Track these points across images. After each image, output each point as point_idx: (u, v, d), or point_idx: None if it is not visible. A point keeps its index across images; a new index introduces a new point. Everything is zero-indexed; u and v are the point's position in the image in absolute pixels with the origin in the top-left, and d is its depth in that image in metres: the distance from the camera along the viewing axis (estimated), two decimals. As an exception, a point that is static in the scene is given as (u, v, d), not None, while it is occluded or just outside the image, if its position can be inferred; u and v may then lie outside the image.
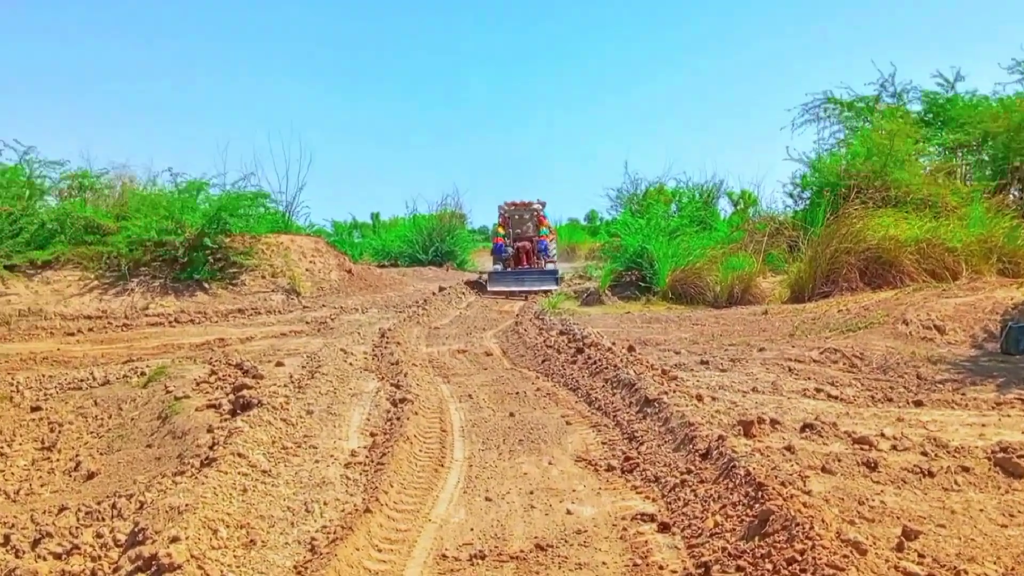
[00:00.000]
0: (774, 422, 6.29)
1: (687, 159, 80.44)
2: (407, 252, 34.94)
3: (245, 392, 7.30)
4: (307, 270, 21.74)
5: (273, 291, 19.53)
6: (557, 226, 45.39)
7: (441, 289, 21.61)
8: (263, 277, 20.11)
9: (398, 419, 6.75)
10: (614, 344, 10.63)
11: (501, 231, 24.03)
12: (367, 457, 5.88)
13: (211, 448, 5.75)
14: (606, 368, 8.75)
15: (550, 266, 23.03)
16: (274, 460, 5.65)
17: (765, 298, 17.07)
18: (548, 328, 13.46)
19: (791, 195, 24.96)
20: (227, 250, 19.92)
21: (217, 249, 19.60)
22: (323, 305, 18.88)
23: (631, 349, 10.24)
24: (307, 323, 15.36)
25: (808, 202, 22.62)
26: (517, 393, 8.53)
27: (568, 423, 7.04)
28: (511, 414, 7.46)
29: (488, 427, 7.00)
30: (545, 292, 20.76)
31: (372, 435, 6.52)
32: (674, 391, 7.18)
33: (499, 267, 23.34)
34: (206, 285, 18.71)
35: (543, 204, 24.64)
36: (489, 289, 21.53)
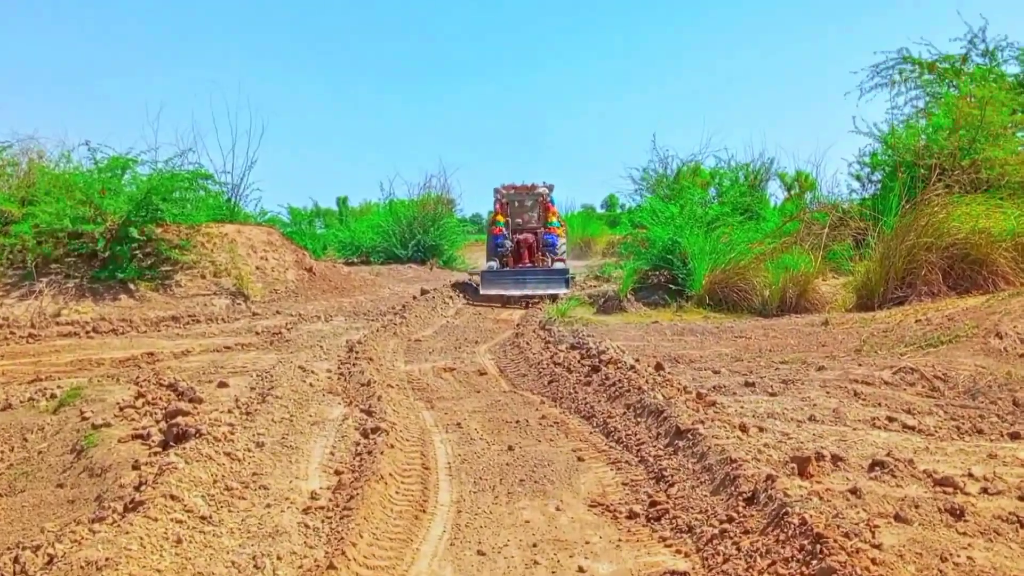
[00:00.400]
0: (836, 459, 6.28)
1: (729, 133, 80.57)
2: (382, 246, 35.01)
3: (180, 419, 7.30)
4: (257, 268, 21.77)
5: (215, 294, 19.55)
6: (568, 215, 45.44)
7: (424, 292, 21.66)
8: (203, 277, 20.12)
9: (369, 453, 6.74)
10: (638, 361, 10.64)
11: (500, 220, 23.69)
12: (331, 500, 5.86)
13: (137, 489, 5.74)
14: (628, 391, 8.75)
15: (558, 264, 22.71)
16: (216, 504, 5.63)
17: (825, 305, 17.08)
18: (556, 341, 13.47)
19: (857, 177, 25.04)
20: (158, 243, 19.93)
21: (146, 242, 19.61)
22: (277, 312, 18.89)
23: (659, 367, 10.25)
24: (257, 334, 15.37)
25: (879, 186, 22.67)
26: (517, 422, 8.52)
27: (580, 459, 7.04)
28: (510, 447, 7.45)
29: (481, 464, 6.99)
30: (552, 297, 20.73)
31: (337, 473, 6.52)
32: (712, 420, 7.18)
33: (495, 264, 22.98)
34: (132, 286, 18.72)
35: (550, 188, 24.30)
36: (482, 292, 21.33)
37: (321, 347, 13.43)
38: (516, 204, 24.29)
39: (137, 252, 19.42)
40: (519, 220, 24.27)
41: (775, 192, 30.60)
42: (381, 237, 35.39)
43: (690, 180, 27.85)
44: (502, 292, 21.22)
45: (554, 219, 23.83)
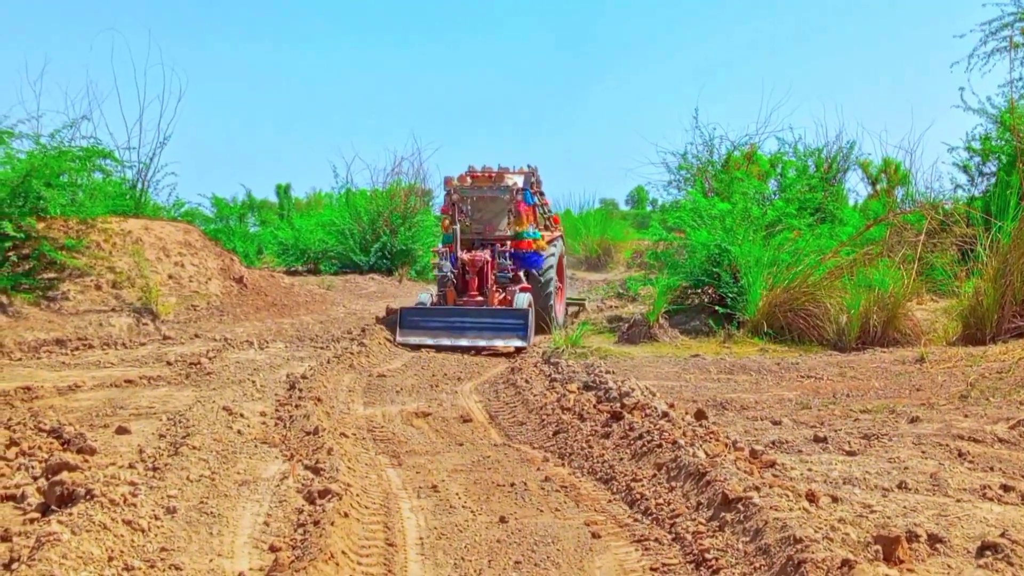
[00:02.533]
0: (934, 539, 6.28)
1: (795, 108, 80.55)
2: (335, 251, 35.05)
3: (65, 476, 7.28)
4: (171, 277, 21.79)
5: (114, 311, 19.55)
6: (584, 212, 45.49)
7: (390, 312, 21.65)
8: (98, 288, 20.12)
9: (316, 524, 6.72)
10: (672, 407, 10.64)
11: (441, 226, 21.42)
12: (264, 586, 5.86)
13: (8, 567, 5.71)
14: (659, 447, 8.73)
15: (521, 298, 19.50)
16: (111, 589, 5.62)
17: (920, 336, 17.11)
18: (565, 379, 13.49)
19: (964, 168, 25.18)
20: (40, 242, 19.88)
21: (24, 240, 19.58)
22: (196, 335, 18.90)
23: (701, 416, 10.25)
24: (169, 364, 15.38)
25: (993, 180, 22.74)
26: (513, 484, 8.50)
27: (596, 535, 7.02)
28: (502, 519, 7.43)
29: (464, 540, 6.97)
30: (513, 351, 18.19)
31: (273, 550, 6.49)
32: (771, 486, 7.17)
33: (427, 297, 20.24)
34: (4, 299, 18.67)
35: (532, 172, 21.63)
36: (398, 340, 18.72)
37: (253, 383, 13.43)
38: (475, 201, 21.20)
39: (11, 254, 19.36)
40: (479, 227, 21.06)
41: (855, 186, 30.70)
42: (335, 239, 35.41)
43: (744, 169, 27.81)
44: (426, 342, 18.61)
45: (529, 226, 20.93)
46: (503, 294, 19.86)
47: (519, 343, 18.25)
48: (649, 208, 55.39)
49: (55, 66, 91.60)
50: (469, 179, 20.97)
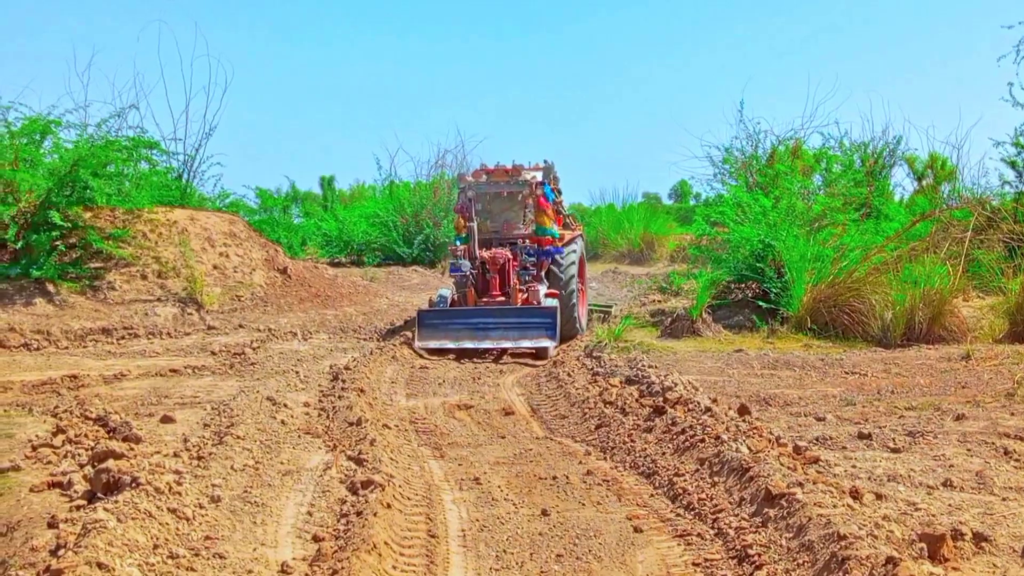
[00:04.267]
0: (980, 537, 6.22)
1: (841, 103, 79.83)
2: (379, 242, 35.13)
3: (111, 464, 7.32)
4: (216, 267, 21.91)
5: (159, 300, 19.70)
6: (626, 207, 45.35)
7: (433, 303, 21.64)
8: (144, 277, 20.28)
9: (359, 514, 6.75)
10: (715, 402, 10.60)
11: (460, 228, 19.63)
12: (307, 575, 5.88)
13: (54, 554, 5.76)
14: (702, 441, 8.71)
15: (549, 300, 18.08)
16: (157, 576, 5.66)
17: (966, 333, 16.96)
18: (607, 373, 13.46)
19: (1012, 164, 24.83)
20: (87, 231, 20.08)
21: (71, 229, 19.78)
22: (240, 325, 19.00)
23: (744, 411, 10.20)
24: (213, 354, 15.48)
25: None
26: (555, 478, 8.51)
27: (638, 530, 7.02)
28: (544, 512, 7.44)
29: (506, 533, 6.99)
30: (535, 352, 17.21)
31: (316, 540, 6.53)
32: (815, 482, 7.13)
33: (446, 295, 18.77)
34: (51, 288, 18.88)
35: (550, 168, 19.91)
36: (417, 345, 17.26)
37: (297, 373, 13.49)
38: (490, 198, 20.01)
39: (59, 243, 19.57)
40: (495, 225, 19.92)
41: (901, 181, 30.40)
42: (378, 231, 35.55)
43: (787, 163, 27.61)
44: (447, 345, 17.32)
45: (549, 223, 19.37)
46: (526, 293, 18.15)
47: (547, 343, 16.98)
48: (692, 202, 55.04)
49: (103, 57, 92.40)
50: (484, 175, 19.75)
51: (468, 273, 18.47)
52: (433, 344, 17.22)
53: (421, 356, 16.09)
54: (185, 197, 26.83)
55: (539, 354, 16.87)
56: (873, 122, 56.18)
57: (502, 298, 18.33)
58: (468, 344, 17.18)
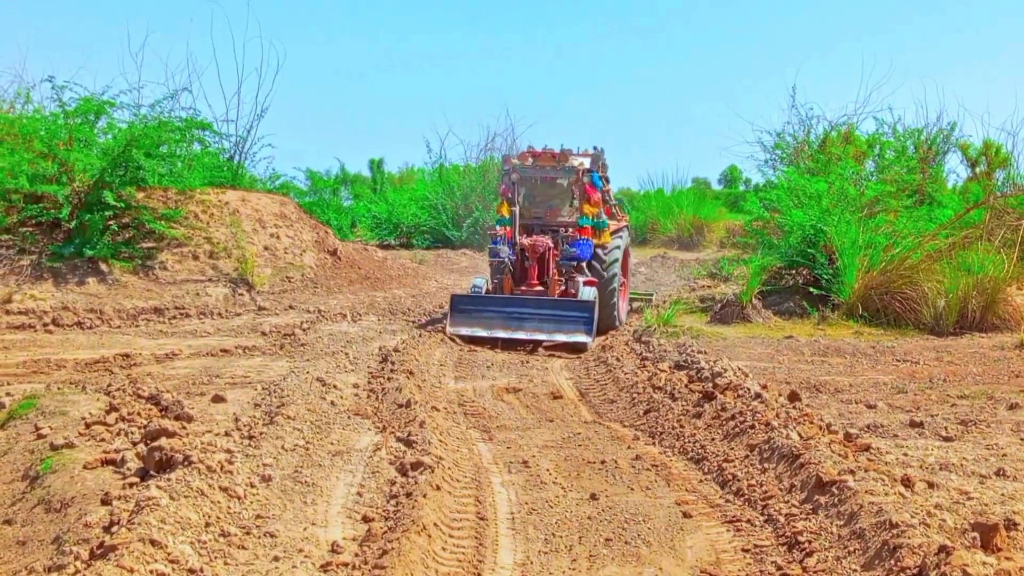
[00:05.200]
0: (1034, 528, 6.16)
1: (896, 88, 79.00)
2: (428, 225, 35.21)
3: (164, 442, 7.39)
4: (266, 249, 22.00)
5: (211, 280, 19.79)
6: (675, 192, 45.09)
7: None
8: (195, 258, 20.37)
9: (408, 496, 6.78)
10: (765, 388, 10.55)
11: (504, 211, 18.55)
12: (357, 556, 5.90)
13: (108, 530, 5.82)
14: (752, 428, 8.70)
15: (586, 290, 17.22)
16: (208, 554, 5.70)
17: (1021, 322, 16.79)
18: (656, 358, 13.43)
19: (1068, 152, 24.49)
20: (140, 211, 20.22)
21: (124, 210, 19.91)
22: (290, 306, 19.09)
23: (794, 397, 10.15)
24: (264, 334, 15.56)
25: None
26: (603, 462, 8.52)
27: (687, 515, 7.01)
28: (593, 496, 7.45)
29: (555, 516, 7.00)
30: (572, 347, 16.23)
31: (366, 520, 6.57)
32: (865, 470, 7.09)
33: (480, 283, 18.17)
34: (104, 267, 19.00)
35: (599, 155, 18.98)
36: (449, 331, 16.62)
37: (347, 355, 13.54)
38: (535, 183, 19.04)
39: (112, 223, 19.65)
40: (538, 210, 19.02)
41: (955, 168, 30.08)
42: (428, 213, 35.61)
43: (840, 148, 27.38)
44: (479, 333, 16.61)
45: (595, 210, 18.33)
46: (564, 285, 17.50)
47: (583, 338, 16.13)
48: (742, 188, 54.65)
49: (156, 38, 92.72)
50: (530, 159, 18.83)
51: (506, 259, 17.63)
52: (465, 331, 16.57)
53: (468, 344, 15.95)
54: (236, 178, 26.97)
55: (575, 348, 16.03)
56: (927, 108, 55.68)
57: (540, 288, 17.58)
58: (501, 334, 16.52)
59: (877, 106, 45.09)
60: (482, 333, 16.54)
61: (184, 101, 41.78)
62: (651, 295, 22.60)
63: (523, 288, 17.56)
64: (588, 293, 17.04)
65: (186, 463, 6.79)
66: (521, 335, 16.44)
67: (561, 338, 16.26)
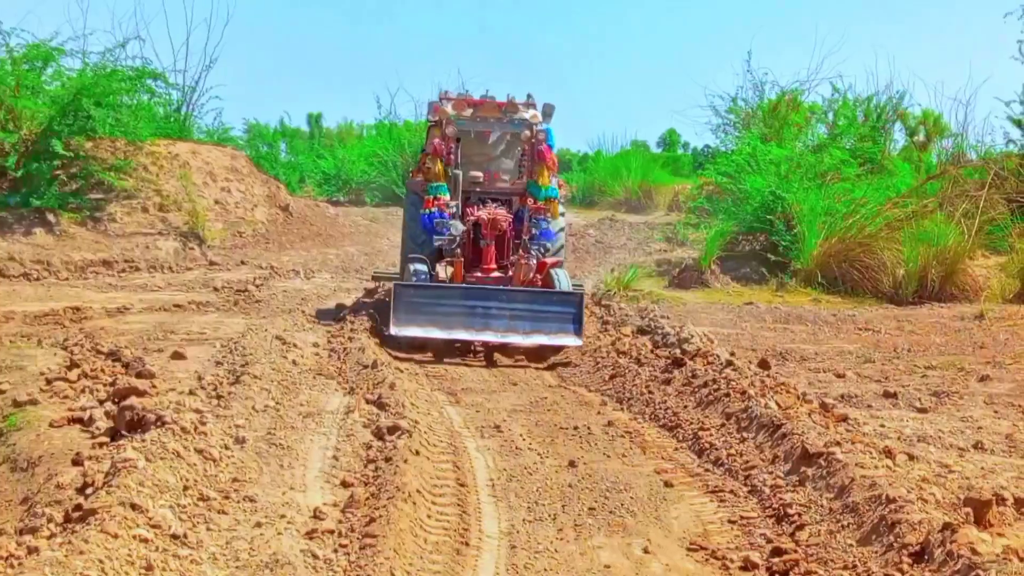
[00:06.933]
0: (1021, 502, 6.12)
1: (848, 57, 79.35)
2: (378, 182, 34.83)
3: (134, 401, 7.21)
4: (217, 203, 21.80)
5: (160, 234, 19.60)
6: (621, 151, 45.02)
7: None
8: (145, 210, 20.17)
9: (388, 460, 6.65)
10: (734, 355, 10.51)
11: (429, 171, 14.60)
12: (342, 523, 5.74)
13: (82, 492, 5.64)
14: (727, 396, 8.64)
15: (561, 276, 13.77)
16: (190, 518, 5.51)
17: (979, 292, 16.96)
18: (618, 322, 13.39)
19: (1018, 123, 24.67)
20: (88, 162, 19.93)
21: (73, 159, 19.61)
22: (242, 262, 18.93)
23: (764, 365, 10.16)
24: (216, 290, 15.41)
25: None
26: (576, 428, 8.47)
27: (668, 484, 6.96)
28: (571, 463, 7.38)
29: (535, 483, 6.90)
30: (555, 350, 12.75)
31: (345, 485, 6.45)
32: (852, 442, 7.02)
33: (423, 269, 13.61)
34: (51, 218, 18.75)
35: (551, 110, 14.78)
36: (393, 331, 12.23)
37: (303, 312, 13.42)
38: (473, 140, 15.47)
39: (60, 173, 19.43)
40: (476, 174, 14.96)
41: (898, 137, 30.15)
42: (378, 170, 35.19)
43: (789, 115, 27.39)
44: (433, 334, 12.56)
45: (549, 181, 14.34)
46: (533, 272, 13.61)
47: (572, 339, 12.41)
48: (680, 151, 54.60)
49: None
50: (469, 108, 14.86)
51: (459, 238, 13.69)
52: (415, 331, 12.46)
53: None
54: (184, 130, 26.64)
55: (555, 351, 12.75)
56: (878, 77, 55.89)
57: (497, 274, 13.99)
58: (462, 335, 12.77)
59: (829, 73, 45.23)
60: (438, 334, 12.67)
61: (131, 50, 41.24)
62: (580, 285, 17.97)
63: (477, 275, 13.88)
64: (564, 279, 13.67)
65: (160, 423, 6.60)
66: (490, 336, 12.72)
67: (542, 340, 12.68)
